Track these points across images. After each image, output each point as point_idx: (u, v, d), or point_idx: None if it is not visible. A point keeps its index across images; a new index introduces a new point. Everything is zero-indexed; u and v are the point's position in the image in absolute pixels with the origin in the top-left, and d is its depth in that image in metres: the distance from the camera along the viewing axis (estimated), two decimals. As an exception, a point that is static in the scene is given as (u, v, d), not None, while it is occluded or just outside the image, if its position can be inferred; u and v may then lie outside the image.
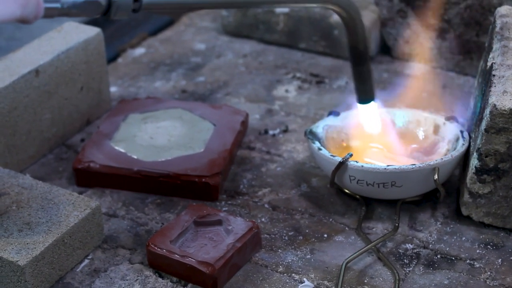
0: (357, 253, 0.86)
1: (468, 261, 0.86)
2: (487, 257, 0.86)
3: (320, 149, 0.93)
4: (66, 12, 0.72)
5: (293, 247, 0.88)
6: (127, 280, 0.84)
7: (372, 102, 0.98)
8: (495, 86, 0.86)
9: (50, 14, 0.71)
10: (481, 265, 0.85)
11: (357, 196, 0.94)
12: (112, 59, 1.27)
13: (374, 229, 0.91)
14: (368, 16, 1.20)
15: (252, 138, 1.06)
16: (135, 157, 0.97)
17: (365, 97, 0.97)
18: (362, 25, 0.93)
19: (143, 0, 0.77)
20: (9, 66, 0.98)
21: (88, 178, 0.97)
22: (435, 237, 0.89)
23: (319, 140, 0.95)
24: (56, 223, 0.84)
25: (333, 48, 1.24)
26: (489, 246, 0.88)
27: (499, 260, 0.86)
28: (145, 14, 1.46)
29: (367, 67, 0.95)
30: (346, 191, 0.95)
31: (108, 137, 1.01)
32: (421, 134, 0.99)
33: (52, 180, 0.99)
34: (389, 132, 0.98)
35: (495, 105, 0.83)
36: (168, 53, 1.28)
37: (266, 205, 0.95)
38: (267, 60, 1.25)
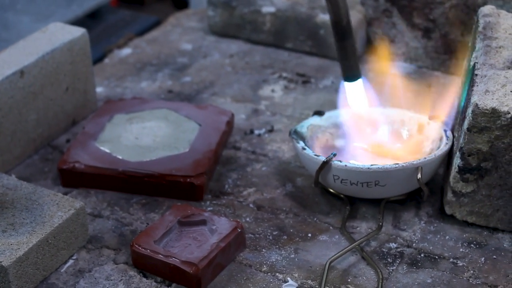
0: (341, 252, 0.86)
1: (451, 259, 0.86)
2: (470, 255, 0.87)
3: (304, 148, 0.93)
4: None
5: (277, 246, 0.89)
6: (111, 280, 0.84)
7: (358, 80, 0.97)
8: (477, 85, 0.86)
9: None
10: (464, 263, 0.86)
11: (342, 196, 0.94)
12: (98, 59, 1.27)
13: (358, 228, 0.91)
14: (354, 16, 1.20)
15: (237, 138, 1.06)
16: (120, 157, 0.98)
17: (351, 73, 0.96)
18: None
19: None
20: (-6, 67, 0.98)
21: (73, 179, 0.97)
22: (419, 236, 0.90)
23: (303, 139, 0.96)
24: (40, 224, 0.84)
25: (320, 48, 1.24)
26: (472, 245, 0.88)
27: (482, 259, 0.86)
28: (132, 15, 1.46)
29: (351, 42, 0.93)
30: (331, 190, 0.95)
31: (93, 137, 1.01)
32: (405, 134, 0.99)
33: (38, 181, 0.99)
34: (373, 131, 0.99)
35: (477, 104, 0.83)
36: (154, 53, 1.28)
37: (251, 205, 0.95)
38: (254, 60, 1.25)
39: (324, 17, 1.22)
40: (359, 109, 0.99)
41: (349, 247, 0.87)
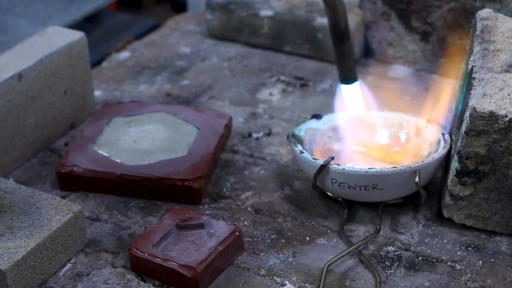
0: (339, 255, 0.86)
1: (449, 263, 0.86)
2: (468, 259, 0.87)
3: (302, 152, 0.93)
4: None
5: (275, 250, 0.89)
6: (109, 284, 0.84)
7: (355, 82, 0.98)
8: (475, 89, 0.86)
9: None
10: (462, 267, 0.86)
11: (339, 199, 0.94)
12: (97, 62, 1.28)
13: (356, 232, 0.91)
14: (352, 19, 1.20)
15: (235, 142, 1.07)
16: (118, 161, 0.98)
17: (347, 76, 0.98)
18: (342, 3, 0.92)
19: None
20: (-8, 71, 0.98)
21: (71, 182, 0.97)
22: (417, 239, 0.90)
23: (301, 143, 0.96)
24: (38, 227, 0.84)
25: (318, 51, 1.24)
26: (470, 248, 0.88)
27: (480, 262, 0.86)
28: (130, 18, 1.46)
29: (348, 45, 0.95)
30: (329, 194, 0.95)
31: (92, 141, 1.01)
32: (403, 137, 0.99)
33: (36, 184, 0.99)
34: (371, 135, 0.99)
35: (474, 107, 0.83)
36: (153, 56, 1.28)
37: (249, 208, 0.95)
38: (252, 63, 1.25)
39: (322, 21, 1.22)
40: (356, 111, 0.99)
41: (347, 251, 0.87)
